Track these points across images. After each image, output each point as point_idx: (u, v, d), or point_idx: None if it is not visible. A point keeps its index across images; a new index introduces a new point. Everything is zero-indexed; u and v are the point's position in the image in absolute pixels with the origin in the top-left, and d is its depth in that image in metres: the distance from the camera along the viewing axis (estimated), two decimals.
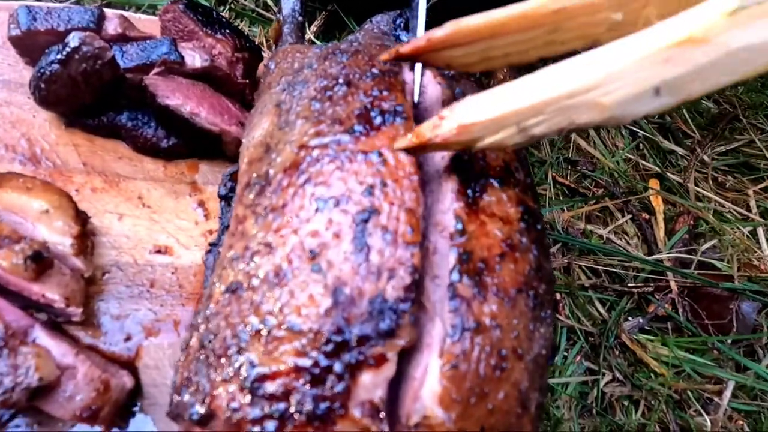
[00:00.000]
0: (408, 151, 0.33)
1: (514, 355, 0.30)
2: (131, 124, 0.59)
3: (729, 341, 0.80)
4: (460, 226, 0.32)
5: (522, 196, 0.36)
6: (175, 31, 0.66)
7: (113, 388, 0.41)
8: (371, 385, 0.27)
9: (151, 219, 0.57)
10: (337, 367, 0.27)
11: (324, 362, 0.28)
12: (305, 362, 0.28)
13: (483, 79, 0.56)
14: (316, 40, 0.88)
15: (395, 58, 0.34)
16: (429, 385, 0.28)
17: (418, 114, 0.40)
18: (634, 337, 0.80)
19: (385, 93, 0.37)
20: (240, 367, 0.29)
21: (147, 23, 0.69)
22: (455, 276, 0.30)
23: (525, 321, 0.32)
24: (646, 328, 0.81)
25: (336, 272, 0.29)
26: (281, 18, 0.72)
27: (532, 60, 0.32)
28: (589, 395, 0.75)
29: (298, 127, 0.37)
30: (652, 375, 0.76)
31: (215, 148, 0.64)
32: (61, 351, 0.40)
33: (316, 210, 0.31)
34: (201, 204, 0.61)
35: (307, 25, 0.86)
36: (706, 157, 1.01)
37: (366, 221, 0.30)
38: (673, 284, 0.82)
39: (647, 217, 0.94)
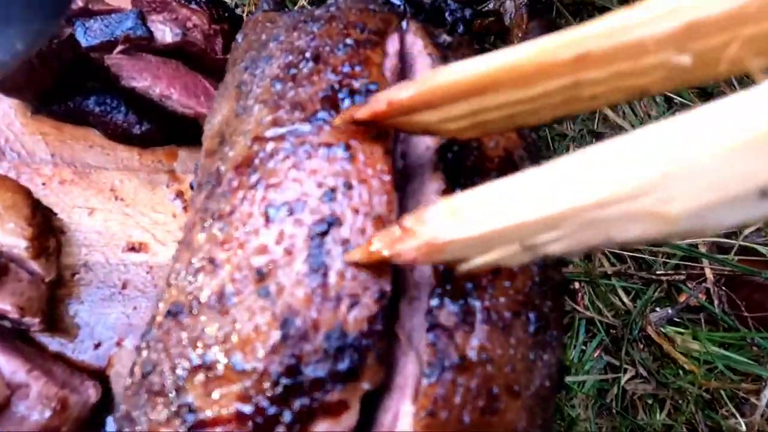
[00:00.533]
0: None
1: (509, 392, 0.25)
2: (99, 109, 0.54)
3: None
4: None
5: None
6: (147, 2, 0.60)
7: (72, 406, 0.38)
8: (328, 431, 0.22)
9: (124, 213, 0.53)
10: (286, 415, 0.22)
11: (270, 410, 0.22)
12: (248, 408, 0.23)
13: (496, 46, 0.48)
14: (307, 5, 0.80)
15: (352, 122, 0.26)
16: None
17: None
18: (662, 329, 0.73)
19: (357, 69, 0.30)
20: (178, 410, 0.24)
21: None
22: (435, 300, 0.24)
23: (523, 350, 0.26)
24: (676, 319, 0.73)
25: (287, 298, 0.23)
26: None
27: (547, 121, 0.22)
28: (609, 393, 0.70)
29: (255, 113, 0.31)
30: (681, 372, 0.70)
31: (195, 133, 0.58)
32: (11, 368, 0.37)
33: (267, 219, 0.25)
34: (179, 195, 0.56)
35: None
36: None
37: (324, 234, 0.24)
38: (708, 272, 0.74)
39: None
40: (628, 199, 0.17)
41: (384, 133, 0.27)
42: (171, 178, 0.57)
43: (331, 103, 0.29)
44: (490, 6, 0.56)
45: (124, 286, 0.49)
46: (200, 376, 0.24)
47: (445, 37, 0.39)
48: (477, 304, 0.25)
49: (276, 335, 0.23)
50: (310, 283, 0.24)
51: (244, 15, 0.77)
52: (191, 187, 0.50)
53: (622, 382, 0.69)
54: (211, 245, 0.27)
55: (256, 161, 0.28)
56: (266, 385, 0.23)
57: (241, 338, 0.24)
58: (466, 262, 0.21)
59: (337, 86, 0.29)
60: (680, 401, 0.69)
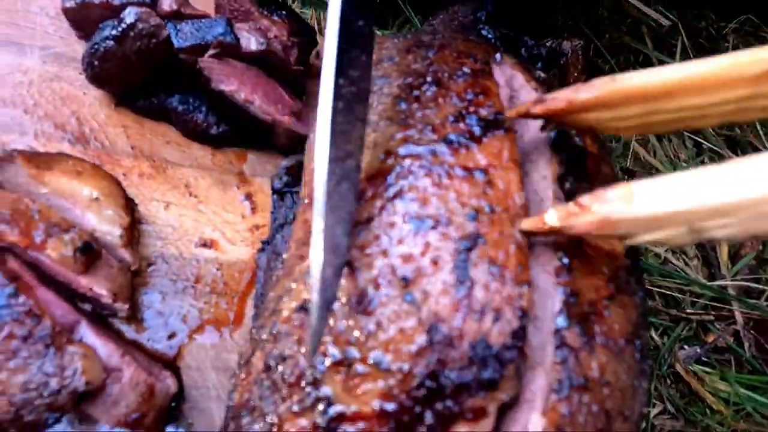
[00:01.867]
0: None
1: (621, 416, 0.27)
2: (182, 108, 0.56)
3: None
4: (566, 261, 0.28)
5: None
6: (230, 10, 0.63)
7: (158, 394, 0.39)
8: None
9: (197, 210, 0.55)
10: (428, 416, 0.24)
11: (414, 409, 0.24)
12: (391, 406, 0.24)
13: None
14: None
15: (524, 116, 0.29)
16: None
17: (512, 123, 0.35)
18: (690, 367, 0.75)
19: (481, 98, 0.33)
20: (315, 402, 0.26)
21: (200, 3, 0.66)
22: (562, 321, 0.26)
23: (631, 376, 0.28)
24: (704, 359, 0.75)
25: (433, 306, 0.25)
26: None
27: (712, 126, 0.26)
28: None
29: (381, 129, 0.33)
30: (708, 411, 0.71)
31: (265, 138, 0.61)
32: (107, 351, 0.38)
33: (411, 230, 0.27)
34: (248, 197, 0.58)
35: None
36: None
37: (470, 249, 0.26)
38: (738, 314, 0.76)
39: None
40: None
41: (515, 160, 0.30)
42: (240, 180, 0.59)
43: (463, 127, 0.31)
44: (547, 45, 0.58)
45: (197, 281, 0.50)
46: (341, 371, 0.26)
47: (540, 73, 0.42)
48: (597, 327, 0.27)
49: (422, 339, 0.25)
50: (456, 293, 0.25)
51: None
52: (273, 190, 0.52)
53: (651, 416, 0.70)
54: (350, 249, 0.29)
55: (393, 175, 0.30)
56: (411, 385, 0.24)
57: (386, 339, 0.25)
58: (633, 238, 0.24)
59: (464, 112, 0.32)
60: None
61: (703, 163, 0.96)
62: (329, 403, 0.25)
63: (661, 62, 1.11)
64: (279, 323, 0.30)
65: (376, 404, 0.25)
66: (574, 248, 0.29)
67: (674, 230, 0.23)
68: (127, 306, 0.42)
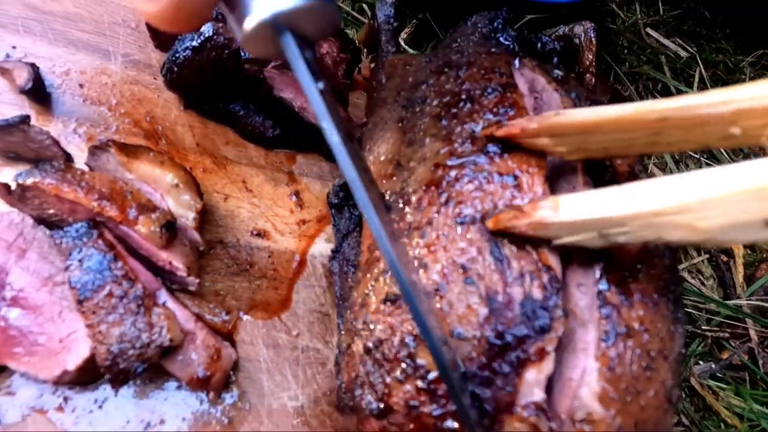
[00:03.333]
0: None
1: (660, 356, 0.32)
2: (243, 112, 0.63)
3: None
4: None
5: None
6: None
7: (224, 357, 0.44)
8: (534, 382, 0.29)
9: (252, 203, 0.61)
10: (504, 368, 0.29)
11: (492, 365, 0.29)
12: (474, 367, 0.30)
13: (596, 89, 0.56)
14: (406, 47, 0.91)
15: (490, 137, 0.36)
16: (588, 386, 0.29)
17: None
18: (705, 382, 0.77)
19: (510, 112, 0.39)
20: (415, 371, 0.31)
21: None
22: (603, 285, 0.32)
23: (667, 323, 0.33)
24: (719, 375, 0.78)
25: (487, 282, 0.31)
26: (376, 24, 0.74)
27: (634, 155, 0.32)
28: None
29: (427, 145, 0.39)
30: (722, 425, 0.74)
31: (313, 142, 0.67)
32: (184, 316, 0.44)
33: (461, 228, 0.33)
34: (296, 194, 0.64)
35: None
36: None
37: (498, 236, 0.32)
38: (752, 333, 0.79)
39: (725, 259, 0.91)
40: (676, 213, 0.27)
41: (542, 164, 0.35)
42: (290, 179, 0.65)
43: (498, 139, 0.37)
44: (560, 32, 0.62)
45: (250, 266, 0.56)
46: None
47: (557, 72, 0.47)
48: (633, 286, 0.32)
49: (485, 310, 0.30)
50: (499, 269, 0.31)
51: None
52: (330, 204, 0.58)
53: None
54: (414, 249, 0.35)
55: (444, 183, 0.36)
56: (484, 347, 0.30)
57: (458, 315, 0.31)
58: (559, 239, 0.32)
59: (495, 120, 0.38)
60: None
61: None
62: (426, 370, 0.31)
63: (679, 91, 1.17)
64: (369, 314, 0.35)
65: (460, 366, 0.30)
66: None
67: (588, 234, 0.30)
68: (198, 280, 0.48)
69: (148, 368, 0.42)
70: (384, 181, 0.41)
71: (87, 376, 0.41)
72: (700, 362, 0.79)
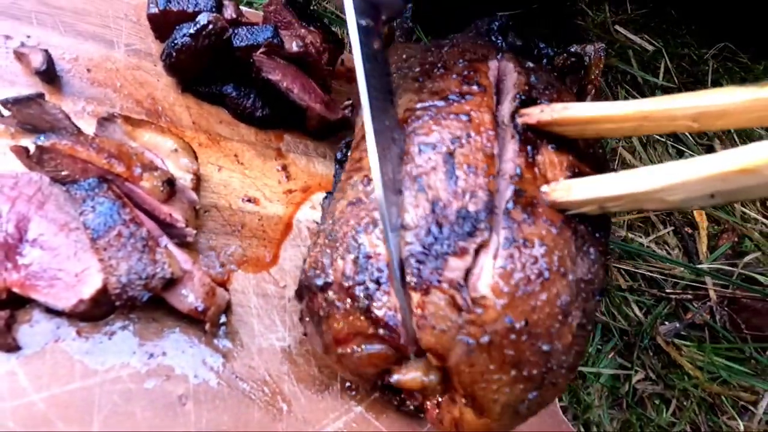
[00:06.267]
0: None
1: (557, 270, 0.38)
2: (235, 94, 0.71)
3: None
4: (518, 171, 0.41)
5: (576, 162, 0.44)
6: (275, 21, 0.78)
7: (218, 295, 0.51)
8: (455, 268, 0.35)
9: (243, 174, 0.68)
10: (434, 251, 0.36)
11: (426, 249, 0.36)
12: (414, 248, 0.37)
13: (563, 74, 0.63)
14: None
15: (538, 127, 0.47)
16: (485, 277, 0.36)
17: (498, 92, 0.49)
18: (670, 340, 0.83)
19: (472, 74, 0.46)
20: (355, 249, 0.38)
21: (250, 14, 0.81)
22: (510, 204, 0.39)
23: (568, 248, 0.40)
24: (683, 333, 0.84)
25: (434, 192, 0.38)
26: (395, 23, 0.82)
27: (622, 137, 0.42)
28: (620, 389, 0.79)
29: (403, 98, 0.47)
30: (686, 377, 0.80)
31: (299, 122, 0.75)
32: (183, 258, 0.50)
33: (419, 151, 0.40)
34: (284, 168, 0.71)
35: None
36: None
37: (454, 159, 0.39)
38: (712, 293, 0.86)
39: (690, 231, 0.98)
40: (654, 192, 0.38)
41: (490, 108, 0.43)
42: (277, 155, 0.72)
43: (457, 90, 0.44)
44: (572, 49, 0.70)
45: (242, 227, 0.63)
46: (372, 231, 0.38)
47: (529, 63, 0.55)
48: (539, 210, 0.39)
49: (428, 207, 0.37)
50: (448, 183, 0.38)
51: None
52: (336, 160, 0.66)
53: (633, 381, 0.79)
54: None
55: (410, 120, 0.43)
56: (423, 234, 0.37)
57: (408, 209, 0.38)
58: (570, 210, 0.42)
59: (460, 81, 0.45)
60: (685, 402, 0.78)
61: None
62: (363, 247, 0.38)
63: (646, 81, 1.25)
64: (337, 213, 0.43)
65: (404, 249, 0.37)
66: (525, 166, 0.42)
67: (591, 207, 0.42)
68: (194, 231, 0.54)
69: (151, 306, 0.48)
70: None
71: (99, 310, 0.47)
72: (666, 323, 0.86)
